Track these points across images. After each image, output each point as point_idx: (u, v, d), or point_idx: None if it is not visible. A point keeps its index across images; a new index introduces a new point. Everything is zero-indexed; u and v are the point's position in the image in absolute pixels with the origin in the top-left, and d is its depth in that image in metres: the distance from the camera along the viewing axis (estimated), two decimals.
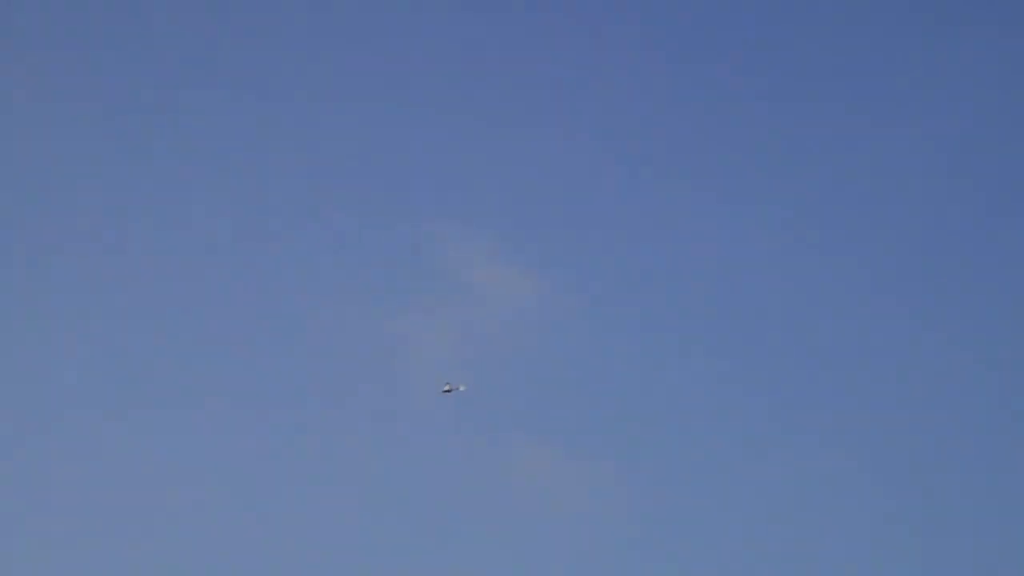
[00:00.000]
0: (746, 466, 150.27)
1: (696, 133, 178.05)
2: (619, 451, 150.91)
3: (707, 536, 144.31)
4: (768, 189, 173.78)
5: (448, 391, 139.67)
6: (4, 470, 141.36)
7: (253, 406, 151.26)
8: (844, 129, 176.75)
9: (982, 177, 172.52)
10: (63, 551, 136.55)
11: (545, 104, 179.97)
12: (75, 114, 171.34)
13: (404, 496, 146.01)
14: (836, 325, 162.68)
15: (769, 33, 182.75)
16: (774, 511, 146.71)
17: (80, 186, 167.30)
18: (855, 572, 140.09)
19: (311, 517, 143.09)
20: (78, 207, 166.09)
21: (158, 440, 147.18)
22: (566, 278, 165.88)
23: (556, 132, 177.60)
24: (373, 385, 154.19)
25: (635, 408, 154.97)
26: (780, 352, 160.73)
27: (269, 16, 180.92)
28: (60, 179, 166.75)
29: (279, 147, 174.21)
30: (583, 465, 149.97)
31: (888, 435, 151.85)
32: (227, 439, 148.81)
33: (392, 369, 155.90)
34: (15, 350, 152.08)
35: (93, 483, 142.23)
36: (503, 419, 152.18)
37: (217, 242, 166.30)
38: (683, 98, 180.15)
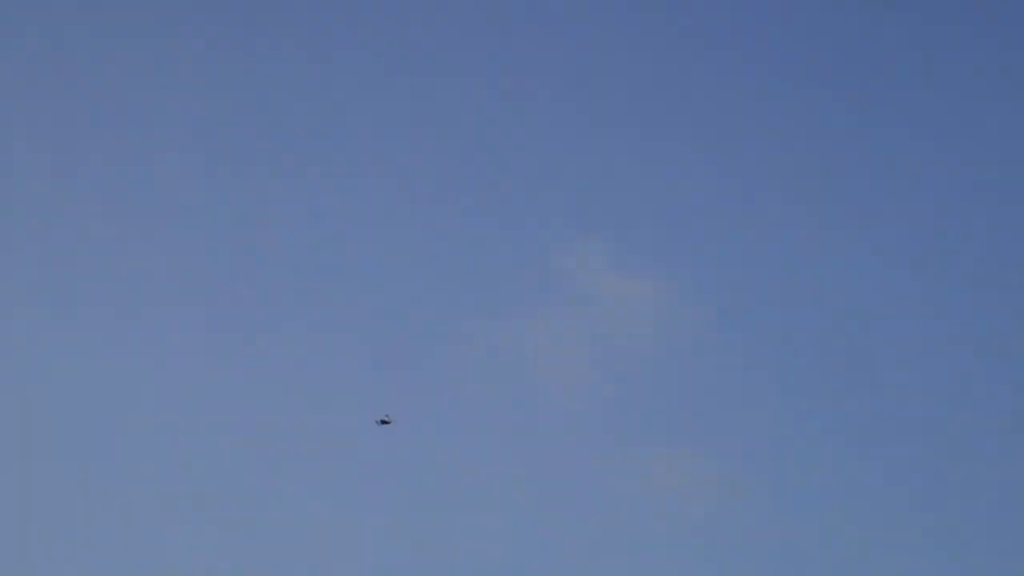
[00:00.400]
0: (876, 464, 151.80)
1: (816, 134, 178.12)
2: (748, 453, 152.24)
3: (838, 537, 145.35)
4: (889, 189, 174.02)
5: (387, 423, 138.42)
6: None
7: (380, 415, 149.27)
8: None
9: None
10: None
11: (666, 110, 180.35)
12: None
13: (534, 504, 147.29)
14: (961, 328, 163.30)
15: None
16: (905, 513, 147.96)
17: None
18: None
19: (442, 526, 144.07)
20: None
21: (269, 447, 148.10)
22: (688, 284, 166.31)
23: (677, 138, 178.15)
24: (499, 395, 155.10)
25: (762, 409, 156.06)
26: (904, 352, 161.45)
27: (392, 21, 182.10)
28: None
29: (401, 153, 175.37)
30: (713, 468, 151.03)
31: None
32: (350, 448, 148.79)
33: (517, 379, 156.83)
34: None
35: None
36: (631, 425, 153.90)
37: (339, 249, 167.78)
38: (800, 100, 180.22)
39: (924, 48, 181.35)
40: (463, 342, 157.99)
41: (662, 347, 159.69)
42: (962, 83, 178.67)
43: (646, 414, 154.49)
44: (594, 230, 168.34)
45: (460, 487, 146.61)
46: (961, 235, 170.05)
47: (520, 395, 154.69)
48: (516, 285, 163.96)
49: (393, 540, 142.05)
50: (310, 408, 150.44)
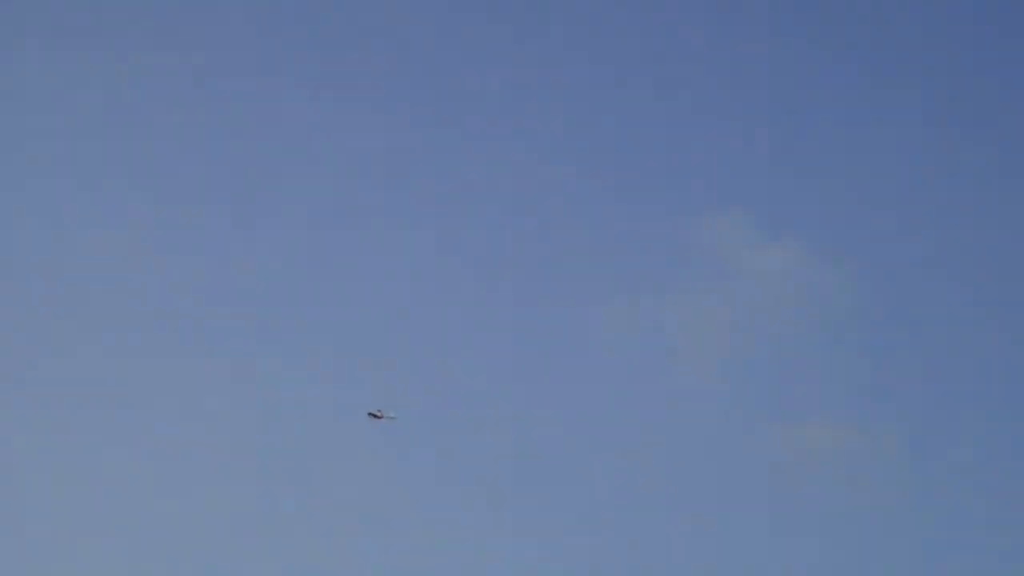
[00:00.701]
0: None
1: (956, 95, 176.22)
2: (901, 424, 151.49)
3: (1000, 509, 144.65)
4: None
5: (378, 417, 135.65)
6: None
7: (528, 393, 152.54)
8: None
9: None
10: None
11: (807, 86, 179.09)
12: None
13: (692, 476, 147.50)
14: None
15: None
16: None
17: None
18: None
19: (592, 503, 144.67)
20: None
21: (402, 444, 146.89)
22: (831, 255, 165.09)
23: (809, 107, 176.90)
24: (649, 371, 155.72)
25: (914, 380, 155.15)
26: None
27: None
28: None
29: (539, 131, 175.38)
30: (866, 439, 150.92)
31: None
32: (494, 433, 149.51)
33: (666, 354, 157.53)
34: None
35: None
36: (780, 397, 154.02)
37: (502, 237, 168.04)
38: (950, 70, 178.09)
39: None
40: (606, 320, 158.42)
41: (807, 317, 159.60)
42: None
43: (797, 386, 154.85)
44: (728, 203, 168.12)
45: (609, 465, 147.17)
46: None
47: (666, 372, 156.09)
48: (653, 262, 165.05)
49: (543, 516, 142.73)
50: (465, 382, 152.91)
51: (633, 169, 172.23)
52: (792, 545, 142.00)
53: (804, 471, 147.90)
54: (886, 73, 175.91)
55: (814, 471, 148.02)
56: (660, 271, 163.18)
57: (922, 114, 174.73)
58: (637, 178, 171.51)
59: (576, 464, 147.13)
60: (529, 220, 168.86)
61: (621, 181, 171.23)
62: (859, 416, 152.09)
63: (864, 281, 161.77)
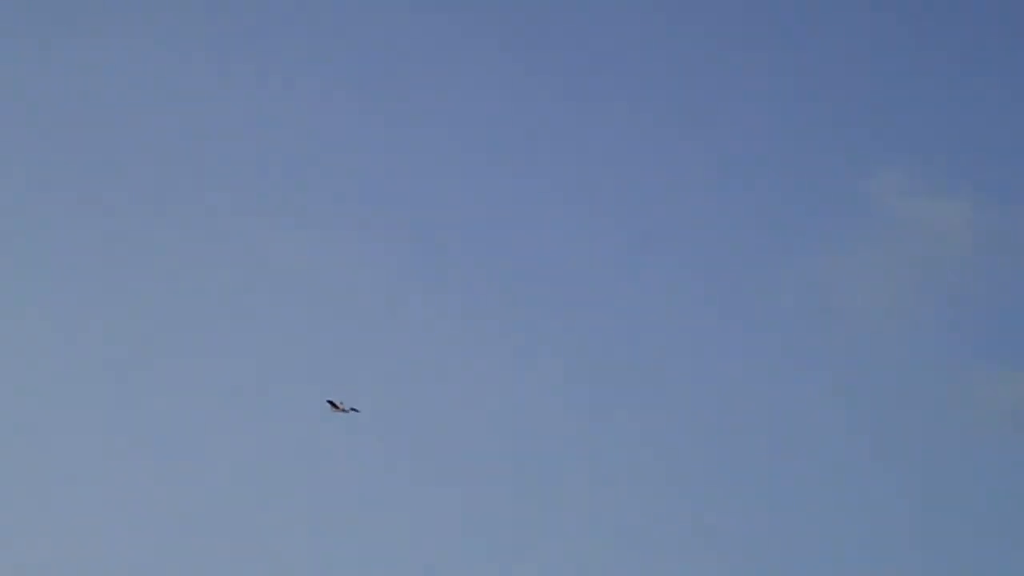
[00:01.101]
0: None
1: None
2: None
3: None
4: None
5: (340, 408, 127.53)
6: None
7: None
8: None
9: None
10: None
11: (977, 37, 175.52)
12: None
13: (854, 425, 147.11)
14: None
15: None
16: None
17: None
18: None
19: (765, 461, 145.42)
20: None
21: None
22: (1001, 206, 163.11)
23: (972, 55, 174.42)
24: (823, 330, 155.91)
25: None
26: None
27: None
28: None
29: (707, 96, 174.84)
30: None
31: None
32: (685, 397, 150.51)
33: (826, 307, 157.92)
34: None
35: None
36: (951, 347, 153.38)
37: (676, 205, 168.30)
38: None
39: None
40: (780, 279, 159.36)
41: (985, 266, 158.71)
42: None
43: (979, 336, 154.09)
44: (893, 156, 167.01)
45: (783, 426, 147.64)
46: None
47: (845, 328, 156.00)
48: (826, 218, 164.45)
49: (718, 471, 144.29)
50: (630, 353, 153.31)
51: (801, 124, 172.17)
52: (990, 490, 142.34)
53: (1004, 422, 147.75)
54: None
55: (987, 418, 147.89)
56: (832, 228, 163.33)
57: None
58: (804, 133, 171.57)
59: (772, 422, 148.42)
60: (701, 181, 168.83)
61: (788, 138, 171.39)
62: None
63: None
